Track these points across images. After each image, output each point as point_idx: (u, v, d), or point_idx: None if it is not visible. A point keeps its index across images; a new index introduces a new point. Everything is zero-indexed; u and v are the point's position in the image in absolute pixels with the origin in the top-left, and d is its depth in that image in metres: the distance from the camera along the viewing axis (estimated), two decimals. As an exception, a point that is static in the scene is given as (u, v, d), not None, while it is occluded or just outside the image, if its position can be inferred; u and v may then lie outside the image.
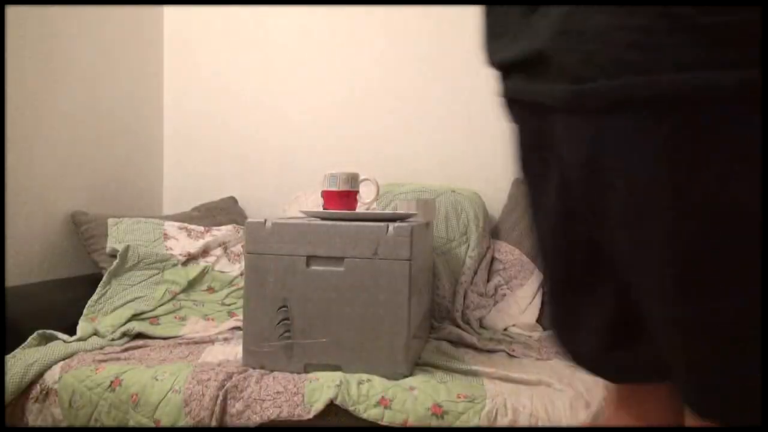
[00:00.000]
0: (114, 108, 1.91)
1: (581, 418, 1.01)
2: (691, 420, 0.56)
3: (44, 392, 1.14)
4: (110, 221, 1.68)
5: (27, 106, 1.56)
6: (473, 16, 1.89)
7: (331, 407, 1.02)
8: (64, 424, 1.11)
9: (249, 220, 1.17)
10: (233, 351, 1.29)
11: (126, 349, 1.30)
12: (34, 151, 1.59)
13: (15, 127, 1.52)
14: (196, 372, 1.10)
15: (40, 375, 1.16)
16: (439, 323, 1.53)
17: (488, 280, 1.68)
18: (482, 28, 0.65)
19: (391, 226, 1.10)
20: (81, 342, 1.30)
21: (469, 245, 1.68)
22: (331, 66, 2.04)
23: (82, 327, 1.37)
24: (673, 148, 0.48)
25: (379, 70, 2.00)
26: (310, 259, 1.13)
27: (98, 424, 1.09)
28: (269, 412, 1.02)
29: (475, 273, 1.67)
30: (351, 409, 1.01)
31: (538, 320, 1.57)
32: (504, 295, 1.64)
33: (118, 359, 1.22)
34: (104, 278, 1.53)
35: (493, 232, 1.79)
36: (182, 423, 1.04)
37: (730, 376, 0.51)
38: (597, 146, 0.51)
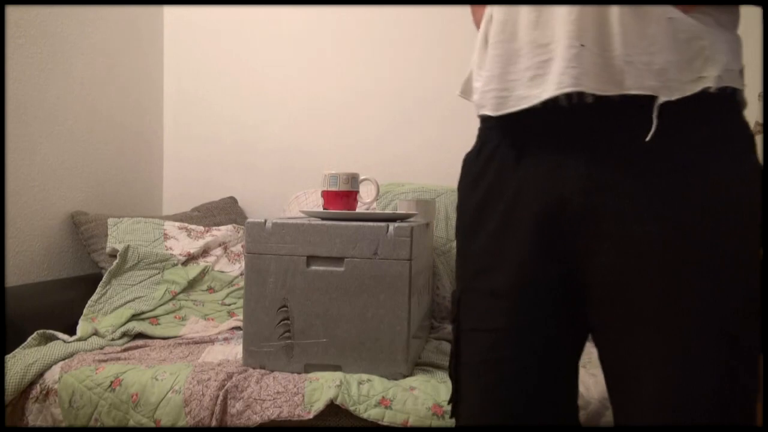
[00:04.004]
0: (114, 108, 1.91)
1: (580, 418, 1.01)
2: None
3: (44, 392, 1.14)
4: (110, 221, 1.68)
5: (27, 106, 1.56)
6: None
7: (332, 407, 1.02)
8: (64, 424, 1.11)
9: (249, 220, 1.16)
10: (233, 351, 1.29)
11: (126, 349, 1.30)
12: (34, 151, 1.59)
13: (15, 127, 1.52)
14: (196, 372, 1.10)
15: (40, 375, 1.16)
16: (439, 323, 1.53)
17: (488, 280, 1.68)
18: None
19: (391, 226, 1.10)
20: (81, 342, 1.30)
21: (469, 245, 1.68)
22: (331, 66, 2.04)
23: (82, 327, 1.37)
24: None
25: (379, 70, 2.00)
26: (310, 259, 1.13)
27: (98, 424, 1.09)
28: (269, 412, 1.02)
29: (475, 273, 1.66)
30: (351, 409, 1.01)
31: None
32: (504, 295, 1.64)
33: (118, 359, 1.22)
34: (104, 278, 1.53)
35: (493, 232, 1.79)
36: (182, 423, 1.04)
37: None
38: None
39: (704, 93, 0.57)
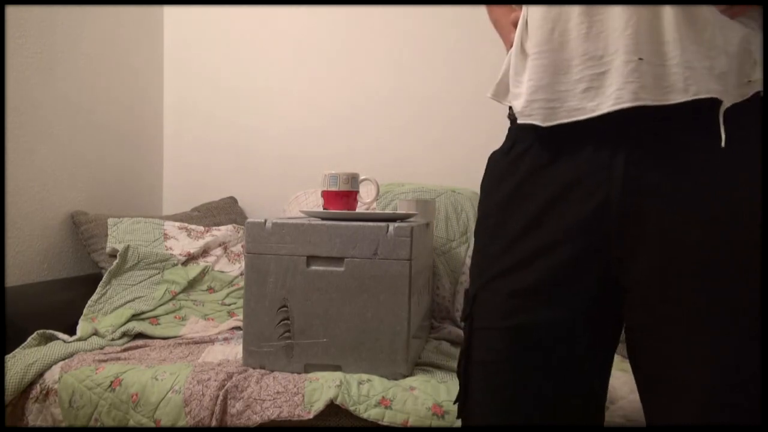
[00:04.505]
0: (114, 108, 1.91)
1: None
2: None
3: (44, 392, 1.14)
4: (110, 221, 1.68)
5: (27, 106, 1.56)
6: (474, 16, 1.88)
7: (332, 407, 1.02)
8: (64, 424, 1.11)
9: (249, 220, 1.16)
10: (233, 351, 1.29)
11: (126, 349, 1.30)
12: (34, 151, 1.59)
13: (15, 127, 1.52)
14: (196, 372, 1.10)
15: (40, 375, 1.16)
16: (439, 323, 1.53)
17: (488, 280, 1.68)
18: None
19: (391, 226, 1.10)
20: (81, 342, 1.30)
21: (469, 245, 1.68)
22: (331, 66, 2.04)
23: (82, 327, 1.37)
24: None
25: (379, 70, 2.00)
26: (310, 259, 1.13)
27: (98, 424, 1.09)
28: (269, 412, 1.02)
29: (475, 273, 1.66)
30: (351, 409, 1.01)
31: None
32: (504, 295, 1.63)
33: (118, 359, 1.22)
34: (104, 278, 1.53)
35: (493, 232, 1.79)
36: (182, 423, 1.04)
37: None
38: None
39: (752, 96, 0.58)
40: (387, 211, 1.66)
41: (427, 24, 1.96)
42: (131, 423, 1.07)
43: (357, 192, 1.31)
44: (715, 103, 0.57)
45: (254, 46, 2.09)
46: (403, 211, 1.42)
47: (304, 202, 1.83)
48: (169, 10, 2.14)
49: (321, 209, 1.31)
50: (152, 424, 1.05)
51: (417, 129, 1.97)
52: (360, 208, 1.40)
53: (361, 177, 1.33)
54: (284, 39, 2.07)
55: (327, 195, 1.30)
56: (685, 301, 0.59)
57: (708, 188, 0.59)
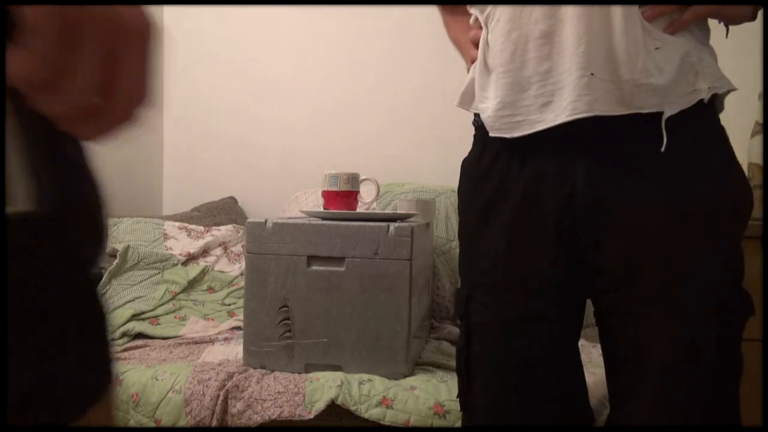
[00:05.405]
0: (114, 108, 1.90)
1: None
2: None
3: (44, 392, 1.14)
4: (110, 221, 1.67)
5: (27, 106, 1.56)
6: (473, 16, 1.88)
7: (333, 407, 1.02)
8: (64, 424, 1.11)
9: (249, 220, 1.16)
10: (233, 351, 1.29)
11: (126, 349, 1.30)
12: (33, 151, 1.59)
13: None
14: (197, 372, 1.10)
15: (41, 375, 1.16)
16: (439, 323, 1.53)
17: (488, 280, 1.68)
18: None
19: (392, 226, 1.10)
20: (81, 342, 1.30)
21: (469, 245, 1.68)
22: (331, 65, 2.04)
23: (82, 327, 1.37)
24: None
25: (379, 70, 2.00)
26: (311, 259, 1.13)
27: (99, 424, 1.09)
28: (270, 412, 1.02)
29: (475, 273, 1.66)
30: (352, 409, 1.01)
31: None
32: (504, 295, 1.64)
33: (118, 359, 1.22)
34: (104, 278, 1.53)
35: (493, 232, 1.79)
36: (183, 423, 1.04)
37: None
38: None
39: (699, 102, 0.65)
40: (387, 211, 1.66)
41: (428, 23, 1.96)
42: (131, 423, 1.07)
43: (357, 192, 1.31)
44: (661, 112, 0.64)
45: (254, 47, 2.09)
46: (403, 211, 1.42)
47: (304, 202, 1.83)
48: (169, 10, 2.14)
49: (321, 209, 1.31)
50: (152, 424, 1.05)
51: (418, 129, 1.98)
52: (360, 208, 1.40)
53: (362, 177, 1.33)
54: (284, 40, 2.07)
55: (327, 195, 1.30)
56: (651, 278, 0.65)
57: (663, 182, 0.65)
